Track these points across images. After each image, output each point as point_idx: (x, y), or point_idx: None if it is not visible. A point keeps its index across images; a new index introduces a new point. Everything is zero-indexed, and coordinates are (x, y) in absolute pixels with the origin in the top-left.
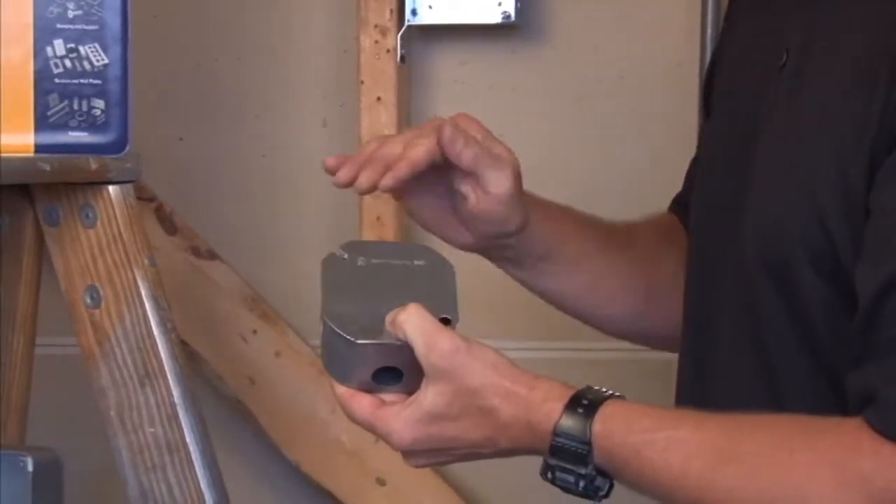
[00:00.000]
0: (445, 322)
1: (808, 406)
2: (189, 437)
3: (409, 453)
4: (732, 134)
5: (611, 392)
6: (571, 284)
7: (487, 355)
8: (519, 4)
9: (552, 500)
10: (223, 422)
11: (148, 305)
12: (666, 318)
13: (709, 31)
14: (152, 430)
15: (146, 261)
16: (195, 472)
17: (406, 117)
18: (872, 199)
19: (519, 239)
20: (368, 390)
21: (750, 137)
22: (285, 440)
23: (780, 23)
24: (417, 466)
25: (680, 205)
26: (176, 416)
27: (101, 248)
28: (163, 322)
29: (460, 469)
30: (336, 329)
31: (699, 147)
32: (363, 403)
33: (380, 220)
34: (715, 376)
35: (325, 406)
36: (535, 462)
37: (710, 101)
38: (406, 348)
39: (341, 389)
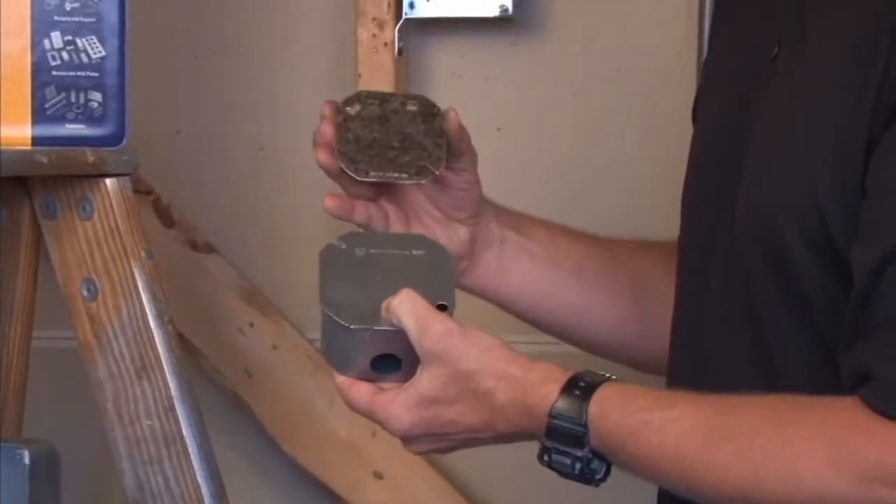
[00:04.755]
0: (442, 308)
1: (803, 387)
2: (186, 430)
3: (408, 439)
4: (723, 128)
5: (608, 375)
6: (560, 299)
7: (481, 338)
8: None
9: (550, 494)
10: (220, 415)
11: (145, 298)
12: (660, 351)
13: (707, 22)
14: (149, 422)
15: (143, 253)
16: (192, 464)
17: None
18: (868, 178)
19: (500, 220)
20: (368, 379)
21: (742, 129)
22: (282, 433)
23: (768, 17)
24: (417, 452)
25: None
26: (173, 409)
27: (98, 240)
28: (160, 315)
29: (459, 464)
30: (332, 316)
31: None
32: (362, 391)
33: None
34: (707, 360)
35: (322, 399)
36: (533, 458)
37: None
38: (402, 335)
39: (340, 379)
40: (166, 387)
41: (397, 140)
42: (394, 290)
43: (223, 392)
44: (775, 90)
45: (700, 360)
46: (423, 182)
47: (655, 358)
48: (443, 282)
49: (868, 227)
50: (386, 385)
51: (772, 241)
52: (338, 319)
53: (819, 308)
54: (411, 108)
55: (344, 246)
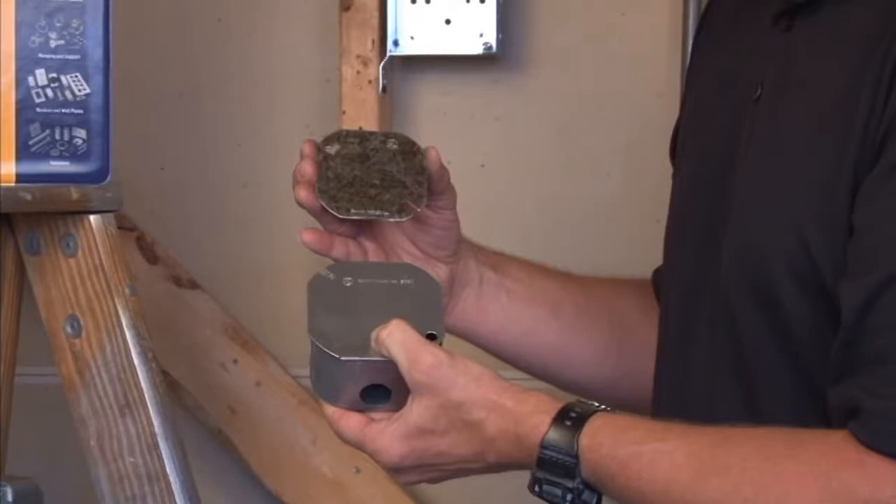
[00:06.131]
0: (431, 338)
1: (788, 423)
2: (169, 467)
3: (398, 470)
4: (708, 167)
5: (600, 405)
6: (538, 338)
7: (471, 368)
8: (500, 35)
9: None
10: (204, 451)
11: (129, 335)
12: (637, 389)
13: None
14: (132, 459)
15: (127, 290)
16: (175, 502)
17: None
18: (855, 218)
19: (478, 259)
20: (358, 410)
21: (727, 169)
22: (266, 470)
23: (749, 58)
24: (408, 483)
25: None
26: (156, 446)
27: (82, 277)
28: (143, 351)
29: (444, 498)
30: (321, 347)
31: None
32: (352, 422)
33: None
34: (693, 395)
35: (306, 436)
36: (523, 488)
37: (676, 156)
38: (392, 365)
39: (330, 409)
40: (150, 424)
41: (378, 178)
42: (383, 320)
43: (207, 429)
44: (759, 130)
45: (685, 395)
46: (404, 220)
47: (634, 396)
48: (431, 311)
49: (855, 264)
50: (376, 415)
51: (760, 280)
52: (327, 350)
53: (806, 344)
54: (391, 146)
55: (332, 276)
